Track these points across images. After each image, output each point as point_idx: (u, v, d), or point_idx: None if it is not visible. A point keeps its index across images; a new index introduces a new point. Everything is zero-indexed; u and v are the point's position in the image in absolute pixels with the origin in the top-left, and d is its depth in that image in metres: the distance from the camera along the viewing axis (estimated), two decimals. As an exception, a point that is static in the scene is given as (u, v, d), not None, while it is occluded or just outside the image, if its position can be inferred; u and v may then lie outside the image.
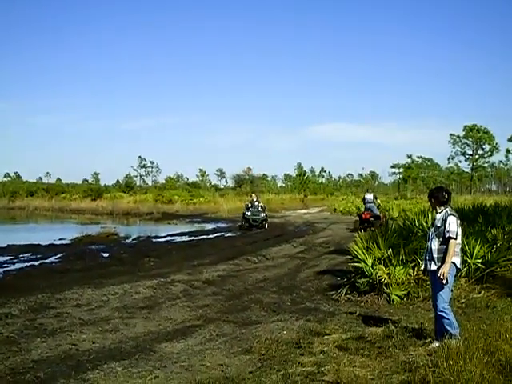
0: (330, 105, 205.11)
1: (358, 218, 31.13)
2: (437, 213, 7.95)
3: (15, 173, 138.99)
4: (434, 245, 7.77)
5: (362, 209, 32.46)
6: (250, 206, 34.31)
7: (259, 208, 34.33)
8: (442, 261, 7.63)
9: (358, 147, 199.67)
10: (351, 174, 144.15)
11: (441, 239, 7.71)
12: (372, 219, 29.23)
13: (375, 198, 31.48)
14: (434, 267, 7.75)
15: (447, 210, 7.85)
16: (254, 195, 37.11)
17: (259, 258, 19.20)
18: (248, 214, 33.87)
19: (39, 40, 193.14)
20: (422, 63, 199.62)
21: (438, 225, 7.77)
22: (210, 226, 38.59)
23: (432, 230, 7.93)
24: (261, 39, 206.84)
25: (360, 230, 22.85)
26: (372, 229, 20.79)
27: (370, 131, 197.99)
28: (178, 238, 28.85)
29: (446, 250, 7.63)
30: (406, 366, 6.73)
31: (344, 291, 12.02)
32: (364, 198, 31.48)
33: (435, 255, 7.75)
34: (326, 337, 8.47)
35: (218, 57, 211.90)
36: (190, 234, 31.53)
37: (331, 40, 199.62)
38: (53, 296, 12.04)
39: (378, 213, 30.27)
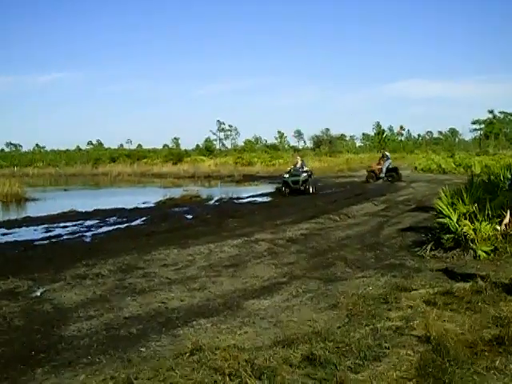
0: (405, 61, 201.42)
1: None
2: None
3: (97, 140, 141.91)
4: None
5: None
6: (289, 169, 30.99)
7: (300, 169, 30.21)
8: None
9: (436, 103, 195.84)
10: (430, 132, 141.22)
11: None
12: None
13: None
14: None
15: None
16: (298, 158, 32.93)
17: (341, 217, 19.11)
18: (286, 176, 30.25)
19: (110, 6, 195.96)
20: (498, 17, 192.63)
21: None
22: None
23: None
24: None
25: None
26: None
27: (448, 87, 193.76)
28: (259, 199, 29.10)
29: None
30: (498, 321, 6.63)
31: (429, 247, 11.86)
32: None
33: None
34: (412, 292, 8.41)
35: (292, 19, 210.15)
36: (270, 194, 31.67)
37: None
38: (140, 257, 12.36)
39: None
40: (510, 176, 7.98)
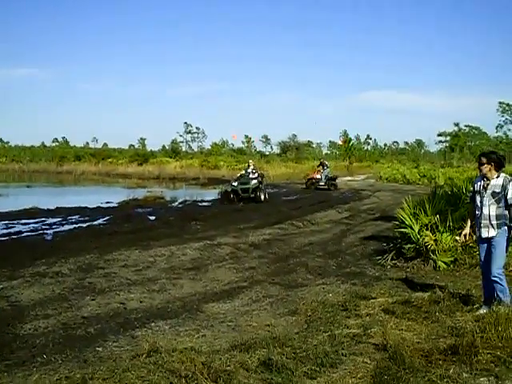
0: (375, 72, 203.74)
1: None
2: (491, 178, 7.69)
3: (63, 138, 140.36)
4: (493, 211, 7.58)
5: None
6: (240, 175, 28.71)
7: (251, 175, 27.96)
8: (500, 227, 7.52)
9: (403, 115, 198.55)
10: (397, 142, 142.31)
11: (500, 205, 7.55)
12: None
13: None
14: (492, 233, 7.60)
15: (505, 176, 7.66)
16: (250, 162, 30.64)
17: (304, 223, 19.22)
18: (234, 184, 27.86)
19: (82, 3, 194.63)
20: (471, 32, 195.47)
21: (497, 191, 7.52)
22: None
23: (487, 196, 7.67)
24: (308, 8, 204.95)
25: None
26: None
27: (416, 99, 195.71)
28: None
29: (506, 216, 7.51)
30: (453, 330, 6.69)
31: (390, 257, 11.99)
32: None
33: (494, 222, 7.57)
34: (372, 300, 8.46)
35: (265, 25, 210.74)
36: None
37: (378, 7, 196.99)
38: (101, 257, 12.29)
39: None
40: (471, 189, 8.03)
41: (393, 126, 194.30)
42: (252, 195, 27.31)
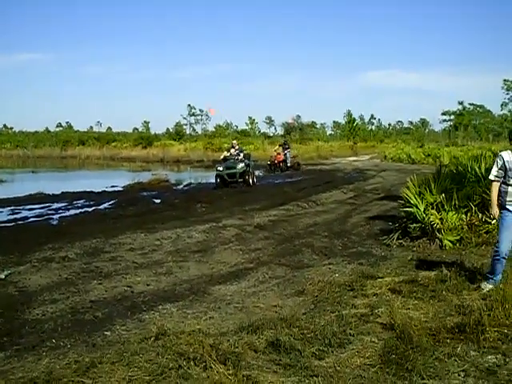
0: (378, 52, 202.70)
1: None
2: None
3: (67, 122, 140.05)
4: None
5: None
6: (223, 157, 26.66)
7: (236, 157, 26.13)
8: None
9: (407, 94, 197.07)
10: (401, 122, 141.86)
11: None
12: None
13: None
14: None
15: None
16: (234, 142, 28.97)
17: (309, 204, 19.19)
18: (220, 168, 25.92)
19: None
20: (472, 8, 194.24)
21: None
22: (259, 173, 37.17)
23: None
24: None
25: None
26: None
27: (420, 78, 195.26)
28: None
29: None
30: (460, 309, 6.69)
31: (396, 236, 11.97)
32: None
33: None
34: (378, 280, 8.45)
35: (267, 5, 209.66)
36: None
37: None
38: (107, 241, 12.31)
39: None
40: (498, 164, 7.82)
41: (397, 106, 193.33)
42: (240, 180, 25.56)
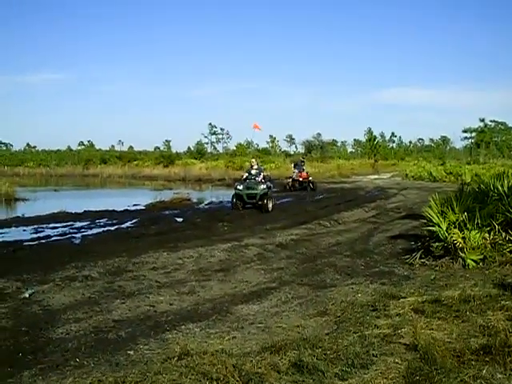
0: (398, 68, 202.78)
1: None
2: None
3: (88, 141, 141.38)
4: None
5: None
6: (245, 177, 24.76)
7: (257, 178, 24.23)
8: None
9: (427, 111, 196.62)
10: (422, 139, 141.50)
11: None
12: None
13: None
14: None
15: None
16: (253, 160, 26.23)
17: (331, 223, 19.19)
18: (240, 187, 24.02)
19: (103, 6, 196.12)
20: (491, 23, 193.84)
21: None
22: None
23: None
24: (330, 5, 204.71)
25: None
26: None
27: (440, 94, 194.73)
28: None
29: None
30: (485, 330, 6.62)
31: (418, 255, 11.89)
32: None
33: None
34: (401, 300, 8.40)
35: (288, 24, 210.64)
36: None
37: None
38: (129, 260, 12.34)
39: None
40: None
41: (417, 123, 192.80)
42: (259, 203, 23.42)
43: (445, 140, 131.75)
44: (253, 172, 24.58)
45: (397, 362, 5.78)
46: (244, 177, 24.92)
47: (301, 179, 36.03)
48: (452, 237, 11.27)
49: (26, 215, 23.24)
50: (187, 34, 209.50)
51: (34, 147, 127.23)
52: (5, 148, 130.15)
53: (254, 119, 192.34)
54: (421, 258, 11.81)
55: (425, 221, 12.41)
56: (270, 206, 23.27)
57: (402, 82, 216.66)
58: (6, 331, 7.51)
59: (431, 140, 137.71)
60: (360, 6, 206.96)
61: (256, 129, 28.58)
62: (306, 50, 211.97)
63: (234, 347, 6.56)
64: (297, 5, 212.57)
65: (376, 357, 5.91)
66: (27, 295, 9.32)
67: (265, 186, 23.77)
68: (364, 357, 5.88)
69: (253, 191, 23.55)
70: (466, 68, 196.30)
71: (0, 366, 6.26)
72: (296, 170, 36.55)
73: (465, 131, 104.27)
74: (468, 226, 11.46)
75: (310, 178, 36.72)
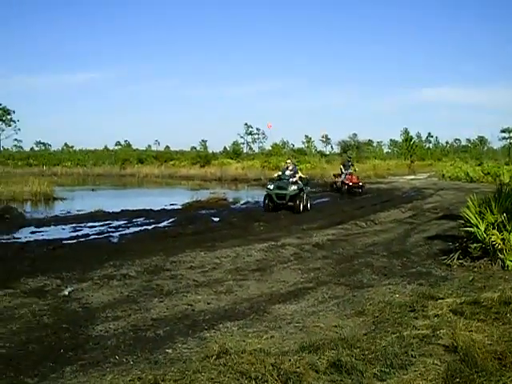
0: (435, 67, 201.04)
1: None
2: None
3: (125, 141, 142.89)
4: None
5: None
6: (277, 177, 24.00)
7: (290, 178, 23.26)
8: None
9: (464, 110, 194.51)
10: (458, 140, 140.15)
11: None
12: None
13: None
14: None
15: None
16: (288, 161, 25.13)
17: (368, 223, 19.12)
18: (271, 187, 23.15)
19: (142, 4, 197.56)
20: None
21: None
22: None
23: None
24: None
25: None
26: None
27: (478, 94, 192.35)
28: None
29: None
30: (526, 332, 6.57)
31: (456, 256, 11.79)
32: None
33: None
34: (439, 301, 8.35)
35: (325, 23, 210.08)
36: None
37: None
38: (167, 259, 12.44)
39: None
40: None
41: (454, 122, 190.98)
42: (290, 203, 22.68)
43: (482, 140, 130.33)
44: (287, 173, 23.78)
45: (436, 364, 5.73)
46: (277, 176, 24.28)
47: (351, 183, 33.19)
48: (490, 238, 11.16)
49: (64, 214, 23.53)
50: (224, 33, 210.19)
51: (72, 147, 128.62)
52: (43, 148, 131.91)
53: (289, 118, 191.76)
54: (458, 258, 11.71)
55: (462, 221, 12.30)
56: (302, 206, 22.62)
57: (439, 82, 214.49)
58: (48, 328, 7.64)
59: (468, 140, 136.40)
60: (394, 6, 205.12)
61: (269, 127, 29.39)
62: (342, 50, 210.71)
63: (272, 346, 6.56)
64: (331, 4, 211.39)
65: (415, 358, 5.88)
66: (67, 293, 9.47)
67: (296, 187, 22.89)
68: (403, 357, 5.85)
69: (282, 191, 22.79)
70: (502, 68, 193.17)
71: (43, 361, 6.40)
72: (345, 171, 33.75)
73: (503, 131, 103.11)
74: (507, 227, 11.34)
75: (361, 183, 33.98)
